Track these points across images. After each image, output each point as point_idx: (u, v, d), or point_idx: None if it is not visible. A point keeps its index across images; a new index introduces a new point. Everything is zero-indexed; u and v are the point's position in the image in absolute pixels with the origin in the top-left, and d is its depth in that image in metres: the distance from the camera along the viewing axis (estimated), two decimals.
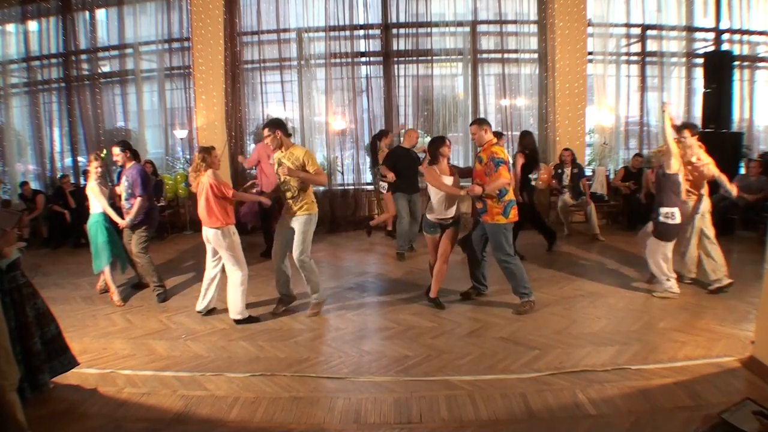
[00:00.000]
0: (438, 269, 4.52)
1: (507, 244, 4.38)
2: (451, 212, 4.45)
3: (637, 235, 5.26)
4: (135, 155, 5.11)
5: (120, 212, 4.99)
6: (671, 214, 4.45)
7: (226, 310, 4.44)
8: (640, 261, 5.63)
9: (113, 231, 4.98)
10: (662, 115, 4.62)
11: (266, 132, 4.25)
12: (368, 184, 8.46)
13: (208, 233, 4.27)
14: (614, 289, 4.99)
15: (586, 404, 2.96)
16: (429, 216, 4.50)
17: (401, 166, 6.11)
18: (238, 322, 4.32)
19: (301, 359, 3.67)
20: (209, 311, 4.58)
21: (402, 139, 6.61)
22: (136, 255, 4.99)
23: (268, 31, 8.38)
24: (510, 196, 4.36)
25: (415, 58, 8.24)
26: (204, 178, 4.20)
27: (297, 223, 4.28)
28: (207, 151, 4.27)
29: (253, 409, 3.02)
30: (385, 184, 6.57)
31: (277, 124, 4.25)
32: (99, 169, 4.92)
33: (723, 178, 4.79)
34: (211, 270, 4.48)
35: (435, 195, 4.39)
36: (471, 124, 4.55)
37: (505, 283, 5.35)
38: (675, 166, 4.43)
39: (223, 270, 4.44)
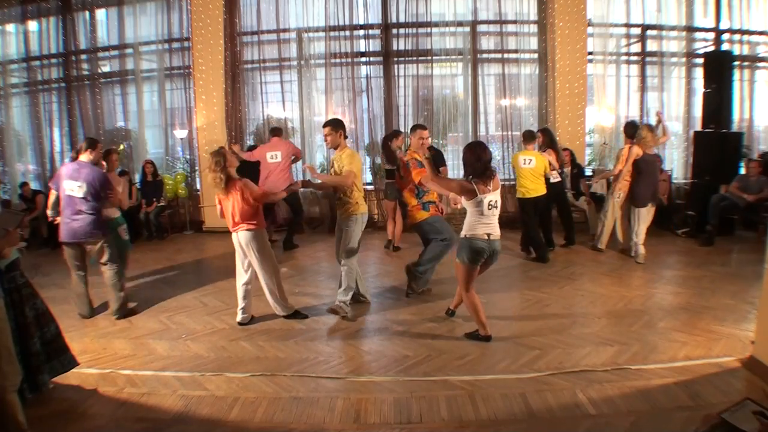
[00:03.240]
0: (472, 302, 3.84)
1: None
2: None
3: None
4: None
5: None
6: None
7: (265, 317, 4.45)
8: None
9: None
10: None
11: (328, 130, 4.34)
12: (368, 184, 8.46)
13: (240, 236, 4.21)
14: (614, 289, 4.99)
15: (586, 404, 2.96)
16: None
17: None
18: (287, 317, 4.42)
19: (301, 359, 3.67)
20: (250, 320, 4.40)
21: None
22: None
23: (268, 31, 8.37)
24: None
25: (415, 58, 8.23)
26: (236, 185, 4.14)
27: (344, 225, 4.41)
28: (222, 156, 4.11)
29: (253, 409, 3.02)
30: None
31: (340, 125, 4.37)
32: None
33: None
34: (243, 277, 4.35)
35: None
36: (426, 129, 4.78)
37: (505, 284, 5.37)
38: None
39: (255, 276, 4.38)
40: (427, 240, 4.77)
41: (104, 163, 4.78)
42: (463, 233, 3.75)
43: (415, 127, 4.84)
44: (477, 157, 3.62)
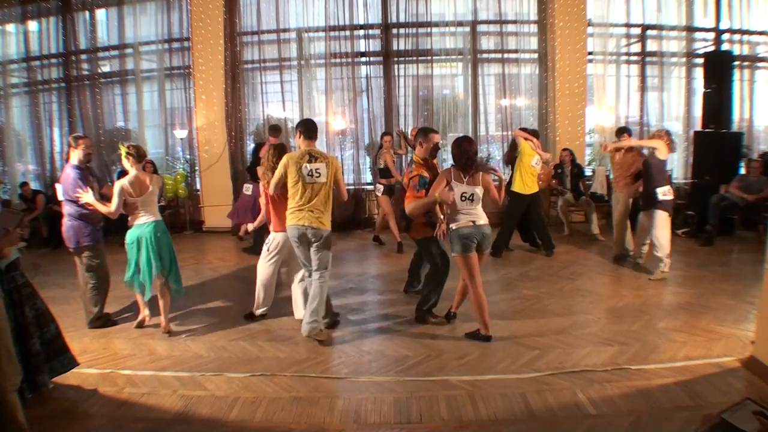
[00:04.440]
0: (479, 300, 3.81)
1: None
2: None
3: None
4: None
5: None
6: (667, 191, 5.05)
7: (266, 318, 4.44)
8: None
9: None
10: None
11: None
12: (368, 184, 8.47)
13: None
14: (614, 289, 5.00)
15: (586, 404, 2.96)
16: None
17: None
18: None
19: (301, 359, 3.67)
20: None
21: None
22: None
23: (268, 31, 8.37)
24: None
25: (415, 58, 8.23)
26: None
27: None
28: (285, 150, 4.18)
29: (253, 409, 3.02)
30: (381, 187, 6.67)
31: (298, 125, 4.10)
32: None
33: None
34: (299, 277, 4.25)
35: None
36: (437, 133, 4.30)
37: (505, 284, 5.35)
38: (664, 153, 5.08)
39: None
40: (421, 254, 4.48)
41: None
42: (450, 227, 3.79)
43: (427, 131, 4.22)
44: (463, 151, 3.73)
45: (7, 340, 2.56)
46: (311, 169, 3.81)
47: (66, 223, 4.23)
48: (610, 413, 2.86)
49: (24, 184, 8.07)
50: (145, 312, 4.34)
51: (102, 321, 4.38)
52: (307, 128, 3.97)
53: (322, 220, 3.85)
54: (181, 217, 8.56)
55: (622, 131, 6.23)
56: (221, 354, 3.80)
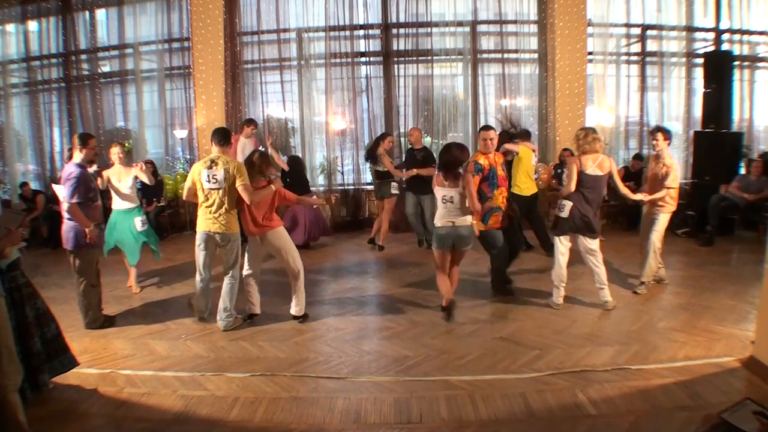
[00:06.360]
0: (437, 278, 4.40)
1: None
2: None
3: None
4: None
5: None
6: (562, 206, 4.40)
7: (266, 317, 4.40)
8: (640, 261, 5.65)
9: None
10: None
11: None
12: (368, 184, 8.46)
13: (270, 237, 4.18)
14: (614, 289, 4.97)
15: (586, 404, 2.96)
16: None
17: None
18: (302, 318, 4.39)
19: (301, 359, 3.67)
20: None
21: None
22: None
23: (268, 31, 8.37)
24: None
25: (415, 58, 8.23)
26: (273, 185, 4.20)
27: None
28: (266, 160, 4.31)
29: (253, 409, 3.02)
30: (395, 184, 6.66)
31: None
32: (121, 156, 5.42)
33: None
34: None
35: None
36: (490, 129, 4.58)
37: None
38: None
39: None
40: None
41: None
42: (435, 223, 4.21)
43: (480, 129, 4.69)
44: (451, 156, 4.11)
45: (8, 339, 2.56)
46: (208, 175, 4.02)
47: (67, 223, 4.24)
48: (610, 413, 2.86)
49: (24, 184, 8.07)
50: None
51: (99, 322, 4.37)
52: (216, 135, 4.18)
53: (228, 225, 4.10)
54: (181, 217, 8.54)
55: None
56: (221, 354, 3.81)
